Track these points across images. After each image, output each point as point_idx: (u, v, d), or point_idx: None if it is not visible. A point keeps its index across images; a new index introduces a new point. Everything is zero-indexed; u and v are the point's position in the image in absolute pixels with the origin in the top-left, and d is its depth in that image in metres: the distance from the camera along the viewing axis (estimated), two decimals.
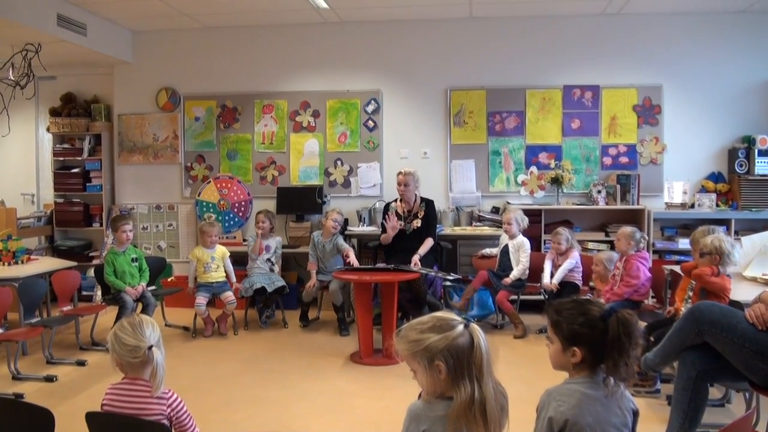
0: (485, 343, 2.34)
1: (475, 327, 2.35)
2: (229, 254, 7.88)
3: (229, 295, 7.55)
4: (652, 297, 6.70)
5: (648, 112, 8.59)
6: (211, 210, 9.16)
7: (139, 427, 2.88)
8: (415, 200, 7.72)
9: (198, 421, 3.10)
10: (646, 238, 7.39)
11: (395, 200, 7.84)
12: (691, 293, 5.13)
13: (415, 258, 7.25)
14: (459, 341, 2.31)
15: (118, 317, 6.71)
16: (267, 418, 4.98)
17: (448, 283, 7.76)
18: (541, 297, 7.66)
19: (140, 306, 7.13)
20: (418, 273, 6.88)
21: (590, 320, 2.53)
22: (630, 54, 8.61)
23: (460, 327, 2.34)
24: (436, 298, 7.51)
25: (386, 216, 7.73)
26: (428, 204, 7.74)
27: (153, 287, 7.59)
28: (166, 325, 7.81)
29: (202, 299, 7.46)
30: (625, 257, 6.38)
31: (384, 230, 7.71)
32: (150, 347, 2.96)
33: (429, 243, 7.54)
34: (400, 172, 7.69)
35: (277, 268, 8.03)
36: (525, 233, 7.59)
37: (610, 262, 6.72)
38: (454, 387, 2.33)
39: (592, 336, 2.52)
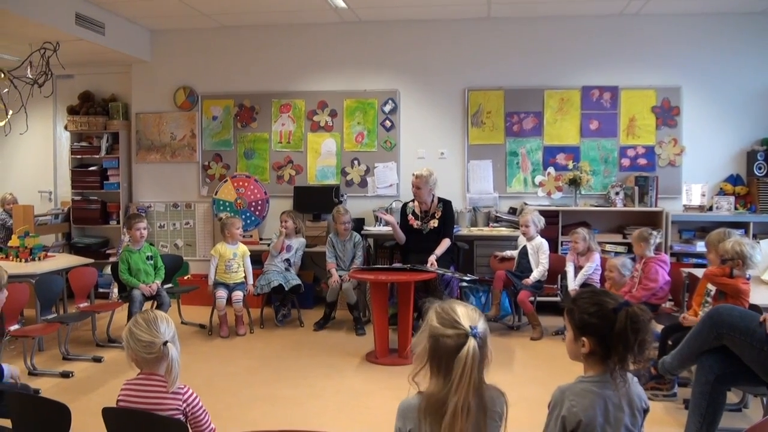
0: (473, 358, 2.29)
1: (471, 342, 2.30)
2: (249, 254, 7.89)
3: (238, 294, 7.56)
4: (670, 300, 6.67)
5: (667, 114, 8.55)
6: (228, 209, 9.18)
7: (155, 422, 2.89)
8: (432, 200, 7.70)
9: (212, 418, 3.11)
10: (656, 234, 7.31)
11: (412, 200, 7.82)
12: (708, 298, 5.09)
13: (432, 258, 7.23)
14: (445, 341, 2.33)
15: (129, 314, 6.76)
16: (281, 416, 4.99)
17: (464, 284, 7.75)
18: (558, 299, 7.66)
19: (155, 304, 7.16)
20: (435, 273, 6.88)
21: (601, 311, 2.51)
22: (649, 55, 8.57)
23: (459, 332, 2.33)
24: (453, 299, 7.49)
25: (406, 218, 7.74)
26: (445, 204, 7.71)
27: (169, 285, 7.62)
28: (182, 322, 7.85)
29: (222, 293, 7.49)
30: (644, 260, 6.35)
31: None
32: (165, 343, 2.97)
33: (446, 243, 7.52)
34: (413, 174, 7.67)
35: (294, 269, 8.04)
36: (542, 234, 7.57)
37: (624, 268, 6.69)
38: (431, 375, 2.38)
39: (600, 327, 2.50)
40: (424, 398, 2.36)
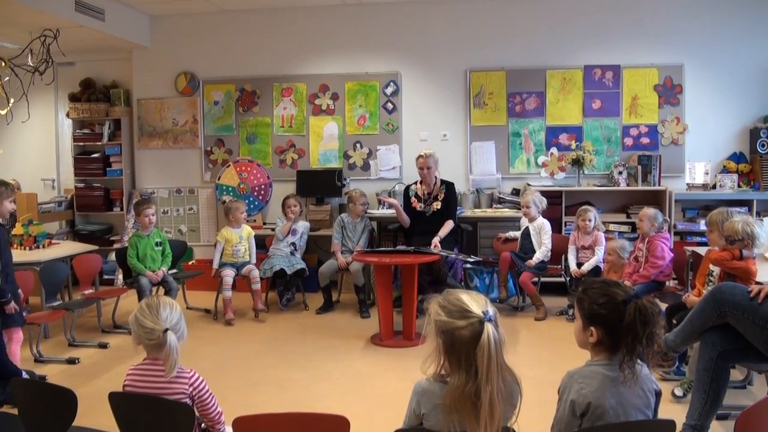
0: (495, 343, 2.30)
1: (488, 326, 2.31)
2: (253, 234, 7.93)
3: (251, 268, 7.59)
4: (674, 279, 6.67)
5: (669, 92, 8.52)
6: (231, 194, 9.19)
7: (161, 406, 2.90)
8: (435, 182, 7.70)
9: (219, 401, 3.11)
10: (668, 220, 7.34)
11: (415, 183, 7.82)
12: (712, 278, 5.08)
13: (435, 240, 7.24)
14: (461, 333, 2.32)
15: (139, 301, 6.78)
16: (288, 399, 5.01)
17: (468, 266, 7.76)
18: (562, 279, 7.67)
19: (162, 291, 7.18)
20: (439, 255, 6.88)
21: (611, 302, 2.51)
22: (651, 33, 8.52)
23: (472, 320, 2.32)
24: (457, 281, 7.51)
25: (409, 200, 7.74)
26: (448, 186, 7.70)
27: (174, 271, 7.63)
28: (187, 308, 7.88)
29: (230, 271, 7.51)
30: (647, 239, 6.36)
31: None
32: (165, 330, 2.98)
33: (449, 225, 7.52)
34: (420, 155, 7.63)
35: (299, 253, 8.05)
36: (545, 215, 7.57)
37: (623, 251, 6.72)
38: (451, 370, 2.37)
39: (609, 318, 2.51)
40: (449, 394, 2.33)
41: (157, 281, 7.08)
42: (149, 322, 2.98)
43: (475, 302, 2.37)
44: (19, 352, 5.28)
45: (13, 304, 5.12)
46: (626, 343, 2.48)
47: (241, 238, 7.71)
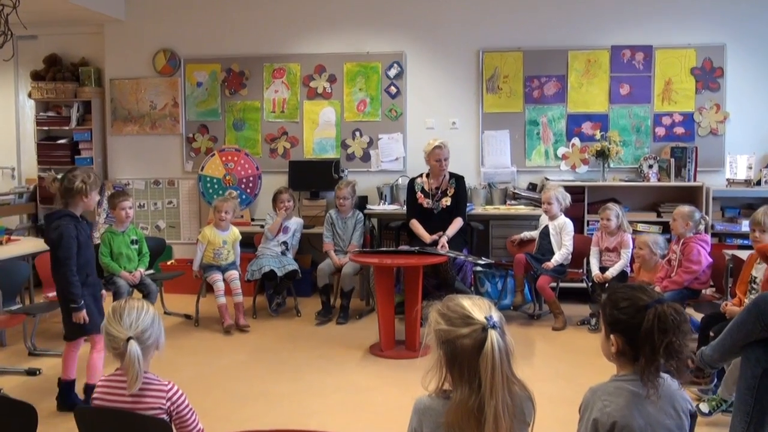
0: (500, 352, 2.28)
1: (492, 334, 2.28)
2: (240, 238, 7.87)
3: (233, 273, 7.54)
4: (711, 286, 6.65)
5: (708, 76, 8.49)
6: (216, 186, 9.16)
7: (136, 423, 2.88)
8: (444, 176, 7.67)
9: (201, 417, 3.10)
10: (707, 219, 7.32)
11: (420, 175, 7.79)
12: (755, 285, 5.06)
13: (443, 239, 7.22)
14: (463, 342, 2.30)
15: None
16: (277, 414, 5.00)
17: (479, 268, 7.74)
18: (584, 285, 7.64)
19: (140, 294, 7.13)
20: (446, 256, 6.85)
21: (632, 307, 2.50)
22: (688, 9, 8.48)
23: (475, 327, 2.30)
24: (466, 285, 7.48)
25: (414, 196, 7.70)
26: (458, 180, 7.67)
27: (151, 271, 7.59)
28: (165, 312, 7.85)
29: (217, 275, 7.45)
30: (682, 240, 6.32)
31: (409, 214, 7.70)
32: (129, 339, 2.94)
33: (458, 223, 7.49)
34: (438, 146, 7.53)
35: (291, 253, 8.02)
36: (566, 212, 7.54)
37: (656, 246, 6.68)
38: (454, 384, 2.36)
39: (629, 325, 2.50)
40: (451, 411, 2.31)
41: (134, 283, 7.03)
42: (112, 328, 2.96)
43: (477, 308, 2.36)
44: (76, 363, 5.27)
45: (83, 312, 5.01)
46: (644, 353, 2.47)
47: (224, 242, 7.63)
